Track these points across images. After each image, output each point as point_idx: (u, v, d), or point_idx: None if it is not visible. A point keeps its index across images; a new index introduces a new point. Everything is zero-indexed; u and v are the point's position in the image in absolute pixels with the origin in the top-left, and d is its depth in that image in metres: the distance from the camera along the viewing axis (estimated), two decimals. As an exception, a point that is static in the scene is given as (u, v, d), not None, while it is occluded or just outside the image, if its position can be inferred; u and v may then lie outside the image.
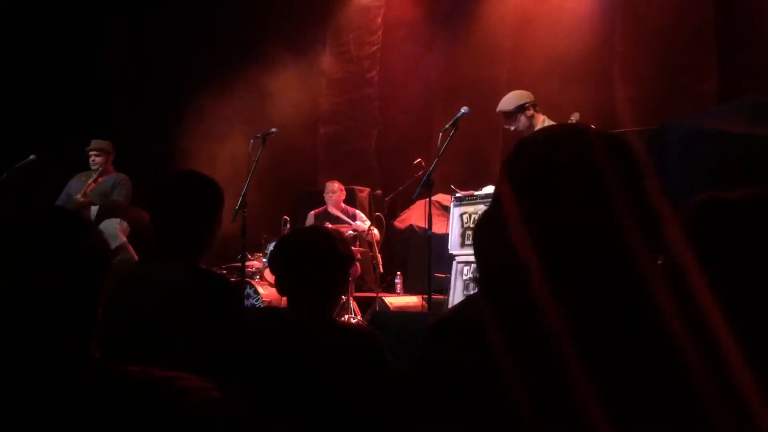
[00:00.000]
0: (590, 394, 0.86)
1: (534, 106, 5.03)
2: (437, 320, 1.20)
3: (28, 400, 1.01)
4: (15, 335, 1.05)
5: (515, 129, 5.05)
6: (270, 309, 2.43)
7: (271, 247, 6.84)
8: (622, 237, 0.90)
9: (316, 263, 2.05)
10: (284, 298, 2.12)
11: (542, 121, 5.04)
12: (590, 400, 0.86)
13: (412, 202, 7.89)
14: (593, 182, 0.95)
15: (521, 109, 4.99)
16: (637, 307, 0.89)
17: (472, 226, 5.69)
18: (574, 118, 4.89)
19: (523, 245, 0.94)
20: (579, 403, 0.87)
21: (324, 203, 7.36)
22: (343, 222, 6.99)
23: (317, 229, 2.24)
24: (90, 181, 6.43)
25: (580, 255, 0.95)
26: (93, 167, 6.49)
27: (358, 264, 6.56)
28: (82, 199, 6.32)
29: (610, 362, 0.89)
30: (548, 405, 0.90)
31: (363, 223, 7.13)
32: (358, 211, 7.38)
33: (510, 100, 5.05)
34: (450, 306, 5.79)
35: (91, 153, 6.52)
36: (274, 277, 2.16)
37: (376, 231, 6.97)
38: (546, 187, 0.99)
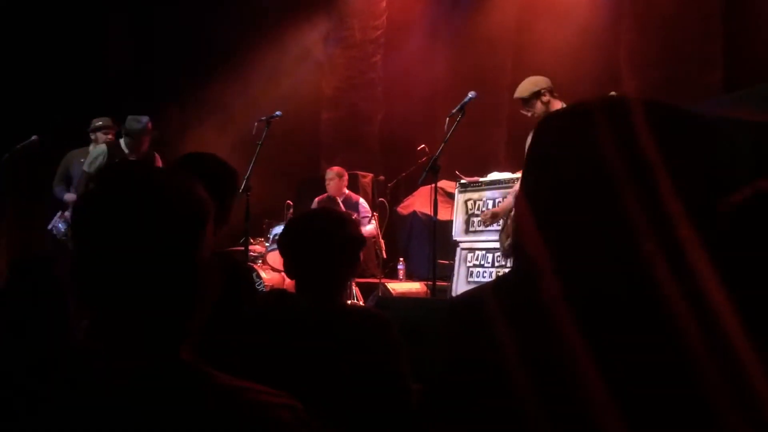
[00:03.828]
0: (604, 397, 0.86)
1: (550, 91, 4.94)
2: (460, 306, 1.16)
3: (100, 396, 0.94)
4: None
5: (532, 115, 4.95)
6: (278, 291, 2.39)
7: (273, 231, 6.83)
8: (633, 237, 0.89)
9: (325, 245, 2.02)
10: (287, 282, 2.09)
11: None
12: (604, 403, 0.86)
13: (416, 188, 7.87)
14: (601, 179, 0.93)
15: (537, 95, 4.89)
16: (649, 308, 0.89)
17: (476, 212, 5.68)
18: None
19: (536, 247, 0.93)
20: (592, 406, 0.86)
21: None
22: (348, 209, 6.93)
23: (327, 211, 2.20)
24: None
25: (590, 257, 0.94)
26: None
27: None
28: None
29: (623, 366, 0.88)
30: (561, 409, 0.90)
31: (367, 218, 7.02)
32: (361, 200, 7.33)
33: (526, 87, 4.96)
34: (453, 293, 5.80)
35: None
36: (283, 259, 2.12)
37: (371, 227, 6.93)
38: (553, 185, 0.98)
